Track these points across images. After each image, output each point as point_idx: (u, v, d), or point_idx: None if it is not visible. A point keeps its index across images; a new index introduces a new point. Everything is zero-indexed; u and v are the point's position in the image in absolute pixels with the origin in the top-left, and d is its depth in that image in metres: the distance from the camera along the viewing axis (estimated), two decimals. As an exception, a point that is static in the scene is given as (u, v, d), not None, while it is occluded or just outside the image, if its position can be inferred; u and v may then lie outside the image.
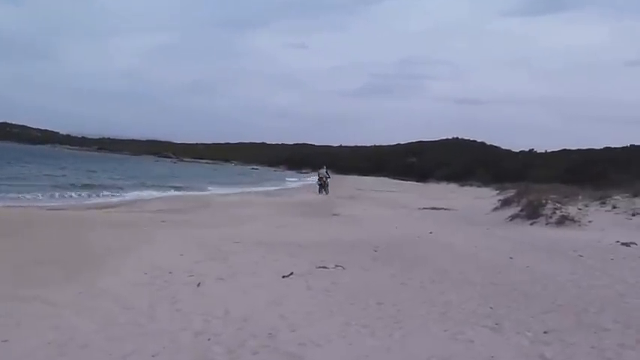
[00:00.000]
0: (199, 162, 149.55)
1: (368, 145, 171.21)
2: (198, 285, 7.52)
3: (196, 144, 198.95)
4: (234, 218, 16.52)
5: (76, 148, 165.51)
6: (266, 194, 34.49)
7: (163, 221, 14.52)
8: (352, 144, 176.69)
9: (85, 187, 31.71)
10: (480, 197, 36.48)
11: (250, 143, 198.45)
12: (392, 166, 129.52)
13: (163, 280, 7.75)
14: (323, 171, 35.35)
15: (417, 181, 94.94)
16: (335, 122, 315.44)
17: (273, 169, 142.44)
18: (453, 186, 76.81)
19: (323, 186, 34.56)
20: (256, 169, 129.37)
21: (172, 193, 33.35)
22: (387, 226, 15.25)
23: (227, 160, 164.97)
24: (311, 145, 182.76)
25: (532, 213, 16.80)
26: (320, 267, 8.89)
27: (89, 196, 27.33)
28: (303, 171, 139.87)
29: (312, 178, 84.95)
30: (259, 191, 39.99)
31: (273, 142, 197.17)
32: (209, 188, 40.42)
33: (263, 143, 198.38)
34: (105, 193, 29.49)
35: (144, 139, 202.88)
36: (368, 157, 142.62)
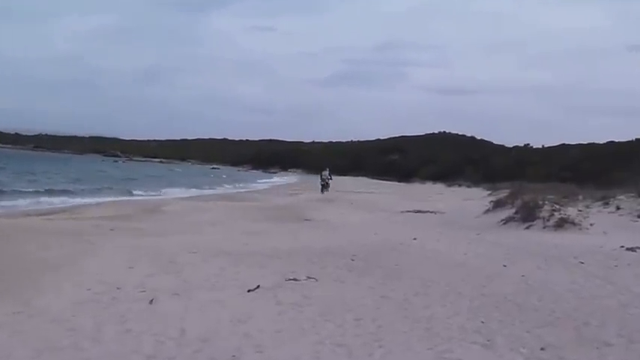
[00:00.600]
0: (152, 161, 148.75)
1: (344, 140, 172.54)
2: (151, 302, 7.42)
3: (148, 141, 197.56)
4: (192, 225, 16.37)
5: (9, 146, 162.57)
6: (228, 198, 34.51)
7: (111, 229, 14.35)
8: (326, 140, 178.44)
9: (21, 192, 31.10)
10: (469, 198, 37.29)
11: (210, 140, 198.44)
12: (371, 164, 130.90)
13: (110, 296, 7.63)
14: (326, 172, 42.92)
15: (400, 181, 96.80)
16: (307, 115, 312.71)
17: (236, 168, 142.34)
18: (439, 186, 78.11)
19: (325, 186, 41.86)
20: (217, 168, 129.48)
21: (121, 197, 33.00)
22: (365, 232, 15.26)
23: (184, 159, 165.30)
24: (279, 141, 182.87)
25: (527, 215, 16.98)
26: (290, 279, 8.83)
27: (26, 201, 26.85)
28: (271, 170, 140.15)
29: (283, 179, 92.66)
30: (221, 194, 40.09)
31: (237, 139, 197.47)
32: (163, 191, 40.38)
33: (225, 140, 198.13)
34: (45, 197, 29.05)
35: (87, 136, 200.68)
36: (344, 154, 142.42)
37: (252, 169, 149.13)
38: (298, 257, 10.67)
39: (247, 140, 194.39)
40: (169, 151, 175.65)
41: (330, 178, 43.36)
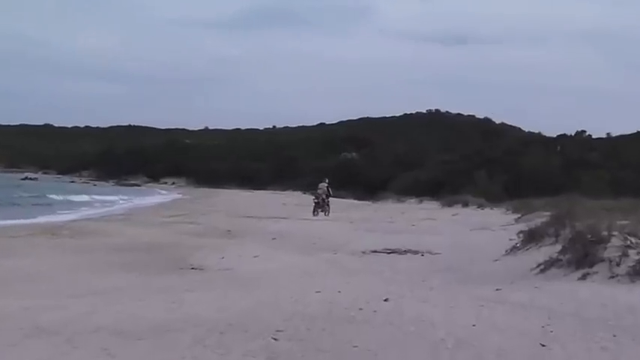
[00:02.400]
0: None
1: (261, 128, 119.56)
2: None
3: None
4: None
5: None
6: (60, 231, 22.75)
7: None
8: (229, 126, 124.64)
9: None
10: (481, 227, 26.28)
11: (20, 127, 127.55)
12: (308, 168, 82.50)
13: None
14: (323, 185, 34.23)
15: (360, 198, 65.02)
16: (194, 84, 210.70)
17: (69, 178, 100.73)
18: (429, 206, 51.22)
19: (320, 205, 33.48)
20: (34, 179, 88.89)
21: None
22: (299, 289, 10.88)
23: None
24: (145, 128, 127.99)
25: (583, 256, 11.96)
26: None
27: None
28: (130, 181, 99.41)
29: (153, 197, 60.75)
30: (46, 225, 25.78)
31: (68, 125, 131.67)
32: None
33: (47, 126, 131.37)
34: None
35: None
36: (260, 152, 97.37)
37: (98, 178, 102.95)
38: (178, 338, 7.28)
39: (86, 127, 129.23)
40: None
41: (330, 195, 34.27)
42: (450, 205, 47.81)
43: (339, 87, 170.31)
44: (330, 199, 34.87)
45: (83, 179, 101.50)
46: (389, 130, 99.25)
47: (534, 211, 27.06)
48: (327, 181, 34.78)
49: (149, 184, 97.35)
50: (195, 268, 14.18)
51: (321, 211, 33.37)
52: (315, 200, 34.13)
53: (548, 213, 20.02)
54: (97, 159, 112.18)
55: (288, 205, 48.29)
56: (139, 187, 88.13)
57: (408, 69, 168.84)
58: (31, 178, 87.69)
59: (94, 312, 8.82)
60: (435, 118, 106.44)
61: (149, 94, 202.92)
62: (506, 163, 61.46)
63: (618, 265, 11.11)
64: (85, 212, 36.88)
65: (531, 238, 15.58)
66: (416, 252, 17.37)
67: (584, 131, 73.05)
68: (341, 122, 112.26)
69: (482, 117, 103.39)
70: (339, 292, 10.28)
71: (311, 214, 33.26)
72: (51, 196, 51.02)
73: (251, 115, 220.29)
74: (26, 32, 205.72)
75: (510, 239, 16.74)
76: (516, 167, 59.54)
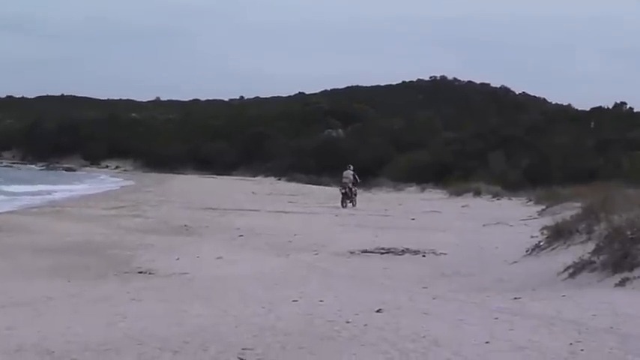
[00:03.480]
0: None
1: (226, 99, 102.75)
2: None
3: None
4: None
5: None
6: None
7: None
8: (185, 96, 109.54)
9: None
10: (497, 221, 23.54)
11: None
12: (284, 149, 75.08)
13: None
14: (349, 172, 32.13)
15: None
16: (142, 42, 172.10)
17: None
18: (433, 195, 45.90)
19: (348, 195, 31.60)
20: None
21: None
22: (271, 298, 9.60)
23: None
24: (83, 99, 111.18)
25: (621, 258, 10.57)
26: None
27: None
28: (62, 164, 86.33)
29: (92, 183, 52.48)
30: None
31: None
32: None
33: None
34: None
35: None
36: (222, 129, 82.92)
37: (23, 161, 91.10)
38: (119, 358, 6.39)
39: (9, 98, 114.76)
40: None
41: (357, 181, 32.56)
42: (458, 194, 42.64)
43: (323, 48, 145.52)
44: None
45: (4, 162, 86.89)
46: (383, 101, 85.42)
47: (562, 201, 24.56)
48: (351, 167, 32.71)
49: (87, 168, 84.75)
50: (143, 273, 12.49)
51: (349, 202, 31.72)
52: (342, 190, 32.17)
53: (578, 204, 18.13)
54: (22, 137, 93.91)
55: (258, 195, 43.52)
56: (74, 172, 76.52)
57: (406, 26, 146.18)
58: None
59: (15, 327, 7.81)
60: (440, 87, 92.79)
61: (86, 56, 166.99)
62: (528, 144, 54.07)
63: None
64: (6, 203, 30.56)
65: (558, 235, 14.17)
66: (416, 252, 15.60)
67: (624, 103, 62.84)
68: (324, 92, 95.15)
69: (498, 85, 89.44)
70: (321, 301, 9.17)
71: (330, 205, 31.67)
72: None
73: (213, 84, 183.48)
74: None
75: (532, 236, 15.38)
76: (540, 148, 51.97)
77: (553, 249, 13.71)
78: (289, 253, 15.69)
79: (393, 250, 15.83)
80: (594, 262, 10.79)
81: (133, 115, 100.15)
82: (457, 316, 8.04)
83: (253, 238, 18.69)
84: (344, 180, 32.05)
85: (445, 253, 15.53)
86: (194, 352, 6.26)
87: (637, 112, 60.95)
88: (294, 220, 24.81)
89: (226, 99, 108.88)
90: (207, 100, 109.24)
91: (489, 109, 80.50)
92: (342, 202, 31.47)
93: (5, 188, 38.90)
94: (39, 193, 39.04)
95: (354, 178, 32.17)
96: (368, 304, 8.75)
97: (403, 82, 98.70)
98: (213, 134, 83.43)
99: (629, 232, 10.68)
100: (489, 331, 7.21)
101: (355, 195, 32.39)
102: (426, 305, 9.01)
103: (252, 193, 45.58)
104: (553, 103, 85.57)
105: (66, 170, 78.82)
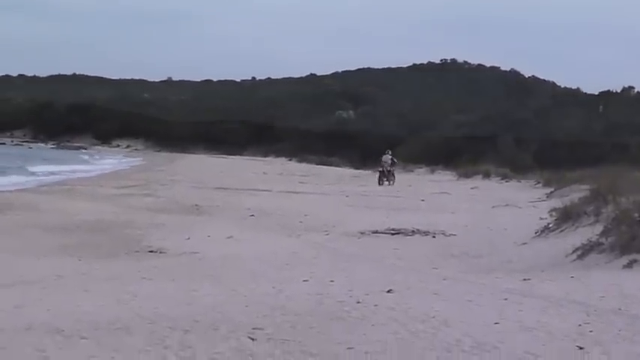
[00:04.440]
0: None
1: (235, 79, 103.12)
2: None
3: None
4: None
5: None
6: None
7: None
8: (197, 76, 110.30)
9: None
10: (506, 203, 23.63)
11: None
12: (295, 132, 74.74)
13: None
14: (387, 157, 36.26)
15: (357, 167, 58.72)
16: (154, 22, 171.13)
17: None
18: (443, 177, 46.63)
19: (384, 174, 35.50)
20: None
21: None
22: (281, 278, 9.64)
23: None
24: (94, 78, 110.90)
25: (630, 240, 10.55)
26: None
27: None
28: (73, 143, 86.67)
29: (106, 161, 54.45)
30: None
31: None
32: None
33: None
34: None
35: None
36: (234, 110, 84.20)
37: (35, 140, 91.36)
38: (131, 337, 6.31)
39: (21, 77, 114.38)
40: None
41: (394, 163, 37.01)
42: (467, 176, 42.84)
43: (334, 30, 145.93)
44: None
45: (15, 140, 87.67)
46: (394, 84, 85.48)
47: (570, 184, 24.65)
48: (389, 152, 36.90)
49: (98, 147, 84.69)
50: (154, 252, 12.52)
51: (386, 180, 35.49)
52: (380, 169, 36.41)
53: (587, 187, 17.96)
54: (34, 116, 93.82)
55: (269, 175, 43.80)
56: (85, 151, 77.04)
57: (417, 8, 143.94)
58: None
59: (24, 305, 7.83)
60: (450, 70, 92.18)
61: (99, 37, 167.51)
62: (537, 127, 55.55)
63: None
64: (17, 181, 31.09)
65: (566, 217, 14.14)
66: (426, 233, 15.60)
67: (632, 87, 63.65)
68: (335, 74, 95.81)
69: (508, 69, 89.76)
70: (332, 281, 9.10)
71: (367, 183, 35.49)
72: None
73: (225, 64, 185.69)
74: None
75: (541, 218, 15.30)
76: (549, 131, 53.39)
77: (562, 231, 13.72)
78: (300, 234, 15.79)
79: (403, 230, 15.88)
80: (602, 244, 10.78)
81: (145, 95, 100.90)
82: (466, 297, 8.07)
83: (264, 218, 18.72)
84: (383, 163, 36.26)
85: (455, 234, 15.58)
86: (204, 331, 6.29)
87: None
88: (305, 201, 25.02)
89: (238, 80, 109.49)
90: (219, 81, 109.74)
91: (498, 92, 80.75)
92: (379, 180, 35.30)
93: (11, 164, 39.78)
94: (49, 171, 39.14)
95: (392, 160, 36.56)
96: (378, 284, 8.77)
97: (414, 64, 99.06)
98: (224, 114, 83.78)
99: (636, 215, 10.76)
100: (499, 311, 7.26)
101: (393, 175, 36.18)
102: (436, 286, 9.02)
103: (264, 173, 46.05)
104: (562, 86, 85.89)
105: (77, 149, 78.68)
